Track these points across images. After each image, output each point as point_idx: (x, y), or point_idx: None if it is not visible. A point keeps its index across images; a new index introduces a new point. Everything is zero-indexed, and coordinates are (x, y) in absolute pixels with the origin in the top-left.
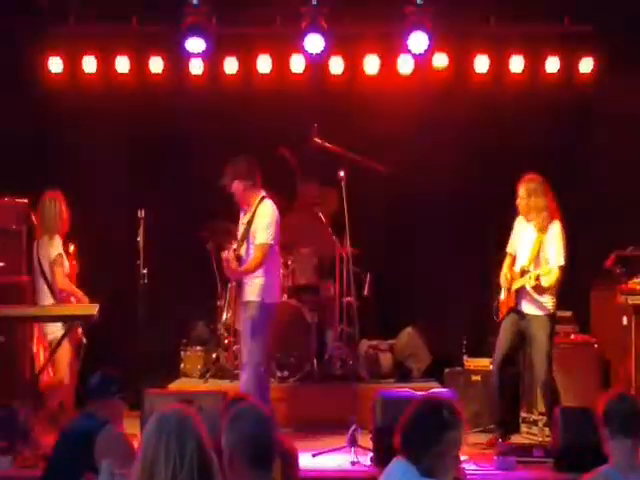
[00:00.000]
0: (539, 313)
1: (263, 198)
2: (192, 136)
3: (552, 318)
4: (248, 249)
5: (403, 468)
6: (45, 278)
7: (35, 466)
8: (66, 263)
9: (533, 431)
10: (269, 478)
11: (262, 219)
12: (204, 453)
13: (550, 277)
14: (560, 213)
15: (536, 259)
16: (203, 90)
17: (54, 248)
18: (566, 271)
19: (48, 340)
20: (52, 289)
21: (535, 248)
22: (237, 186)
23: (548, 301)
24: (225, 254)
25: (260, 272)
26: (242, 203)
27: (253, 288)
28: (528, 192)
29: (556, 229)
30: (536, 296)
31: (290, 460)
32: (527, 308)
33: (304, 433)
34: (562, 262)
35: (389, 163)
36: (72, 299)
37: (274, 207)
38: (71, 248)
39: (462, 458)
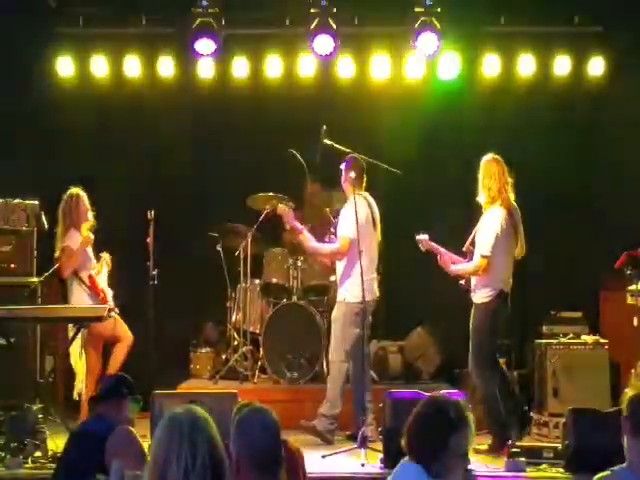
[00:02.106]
0: (474, 300)
1: (358, 195)
2: (201, 137)
3: (482, 308)
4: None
5: (411, 470)
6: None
7: (46, 467)
8: (83, 254)
9: (543, 432)
10: None
11: (345, 212)
12: (216, 453)
13: (470, 264)
14: (504, 198)
15: (473, 239)
16: (212, 91)
17: (66, 240)
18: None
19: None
20: (61, 279)
21: (475, 230)
22: (343, 175)
23: (480, 290)
24: (281, 208)
25: (342, 271)
26: (345, 192)
27: (340, 290)
28: (481, 170)
29: (491, 214)
30: (472, 281)
31: (296, 463)
32: (471, 292)
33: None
34: (484, 251)
35: (398, 164)
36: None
37: (364, 204)
38: (106, 257)
39: (471, 460)
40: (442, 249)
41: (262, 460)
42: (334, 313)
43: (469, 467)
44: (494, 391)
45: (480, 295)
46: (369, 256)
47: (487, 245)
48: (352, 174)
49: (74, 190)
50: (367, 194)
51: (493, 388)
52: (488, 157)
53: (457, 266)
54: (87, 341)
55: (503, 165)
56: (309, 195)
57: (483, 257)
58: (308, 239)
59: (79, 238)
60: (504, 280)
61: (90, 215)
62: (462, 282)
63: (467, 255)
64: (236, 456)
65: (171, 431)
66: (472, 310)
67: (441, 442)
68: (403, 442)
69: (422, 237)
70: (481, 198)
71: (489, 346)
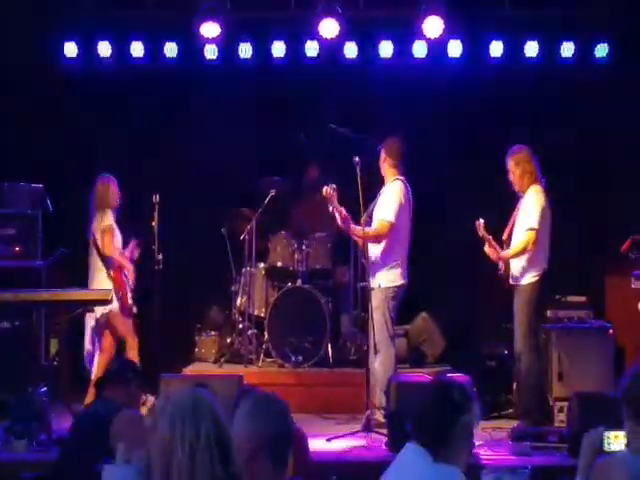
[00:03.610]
0: (518, 282)
1: (396, 180)
2: (207, 121)
3: (528, 290)
4: (369, 223)
5: (416, 453)
6: (99, 250)
7: (51, 450)
8: (118, 235)
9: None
10: (286, 468)
11: (387, 196)
12: (221, 432)
13: (519, 241)
14: (538, 181)
15: (512, 227)
16: (218, 75)
17: (105, 220)
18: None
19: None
20: (103, 258)
21: (514, 216)
22: (381, 155)
23: (527, 270)
24: (326, 190)
25: (379, 257)
26: (382, 173)
27: (374, 275)
28: (515, 163)
29: (531, 194)
30: (513, 264)
31: (299, 446)
32: (512, 279)
33: (318, 418)
34: (533, 224)
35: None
36: (125, 271)
37: (404, 189)
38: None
39: (476, 443)
40: (490, 237)
41: (276, 446)
42: (374, 302)
43: (473, 450)
44: (541, 369)
45: (527, 276)
46: (407, 241)
47: (534, 218)
48: (389, 157)
49: (106, 175)
50: (404, 178)
51: (540, 367)
52: (515, 149)
53: (506, 250)
54: (105, 324)
55: (531, 153)
56: (311, 179)
57: (532, 230)
58: (347, 222)
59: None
60: (547, 259)
61: (118, 201)
62: (501, 271)
63: (504, 245)
64: (247, 442)
65: (174, 412)
66: (514, 294)
67: (446, 426)
68: (409, 426)
69: (481, 221)
70: (515, 186)
71: (537, 325)
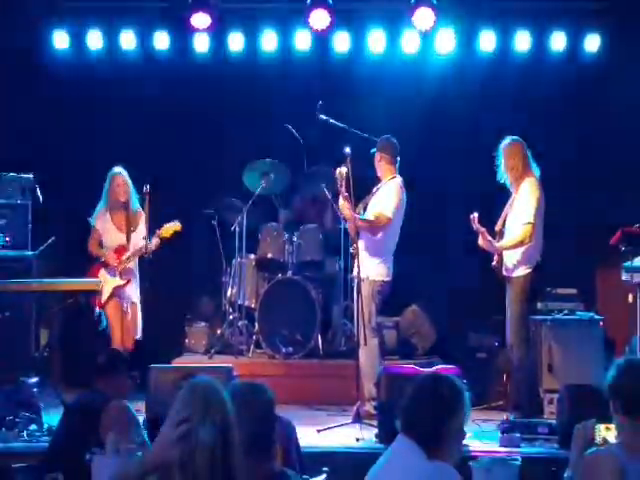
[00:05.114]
0: (511, 274)
1: (394, 177)
2: (197, 112)
3: (521, 282)
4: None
5: (408, 449)
6: None
7: (41, 440)
8: (113, 233)
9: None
10: (270, 457)
11: (386, 191)
12: (227, 418)
13: (516, 234)
14: (532, 172)
15: (507, 219)
16: (208, 66)
17: (94, 218)
18: (538, 231)
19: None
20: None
21: (508, 208)
22: (377, 156)
23: (521, 264)
24: (339, 171)
25: (370, 250)
26: (378, 173)
27: (364, 267)
28: (508, 155)
29: (525, 187)
30: (507, 256)
31: (289, 438)
32: (505, 271)
33: (309, 409)
34: (528, 219)
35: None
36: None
37: (402, 188)
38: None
39: (466, 435)
40: (484, 229)
41: (257, 441)
42: (363, 292)
43: (463, 442)
44: (533, 361)
45: (521, 268)
46: (396, 239)
47: (530, 212)
48: (386, 155)
49: (113, 168)
50: (401, 179)
51: (530, 359)
52: (508, 140)
53: (501, 242)
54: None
55: (524, 145)
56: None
57: (528, 224)
58: (350, 208)
59: (108, 219)
60: (540, 251)
61: (124, 196)
62: (494, 263)
63: (497, 236)
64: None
65: (187, 391)
66: (508, 286)
67: (437, 423)
68: (398, 423)
69: (475, 215)
70: (506, 180)
71: (528, 317)
